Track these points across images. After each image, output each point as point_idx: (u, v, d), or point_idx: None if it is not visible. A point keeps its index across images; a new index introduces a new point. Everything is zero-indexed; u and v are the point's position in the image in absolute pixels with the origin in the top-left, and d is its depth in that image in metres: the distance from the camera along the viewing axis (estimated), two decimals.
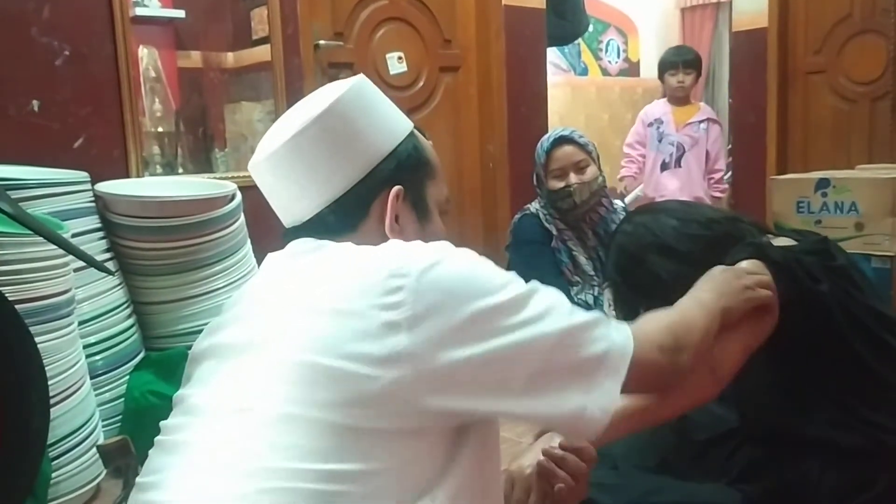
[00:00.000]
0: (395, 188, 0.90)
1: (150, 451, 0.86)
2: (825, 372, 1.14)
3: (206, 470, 0.76)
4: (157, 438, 0.86)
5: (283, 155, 0.90)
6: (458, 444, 0.78)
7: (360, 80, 0.95)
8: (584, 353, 0.79)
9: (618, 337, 0.83)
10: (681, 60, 4.03)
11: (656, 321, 0.93)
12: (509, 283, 0.79)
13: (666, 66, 4.07)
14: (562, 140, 2.47)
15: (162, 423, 0.88)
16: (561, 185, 2.46)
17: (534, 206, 2.61)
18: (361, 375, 0.72)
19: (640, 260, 1.27)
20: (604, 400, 0.79)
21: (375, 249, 0.81)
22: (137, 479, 0.85)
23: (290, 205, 0.93)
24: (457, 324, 0.74)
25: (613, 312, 2.40)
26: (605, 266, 1.35)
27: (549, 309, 0.78)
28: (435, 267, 0.76)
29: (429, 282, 0.75)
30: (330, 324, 0.75)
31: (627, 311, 1.33)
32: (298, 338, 0.76)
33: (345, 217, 0.90)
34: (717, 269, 1.10)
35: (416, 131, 0.97)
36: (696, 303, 1.01)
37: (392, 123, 0.94)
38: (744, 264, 1.13)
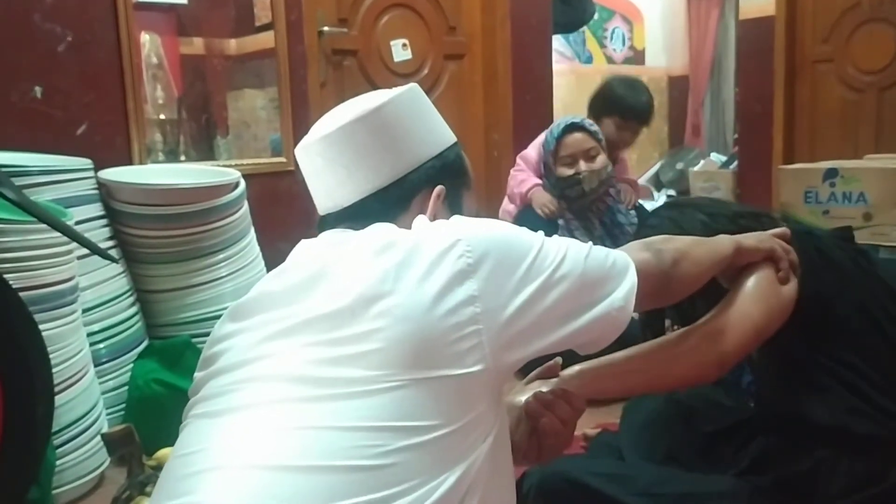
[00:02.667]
0: (439, 187, 0.96)
1: (185, 428, 0.85)
2: (843, 358, 1.14)
3: (265, 431, 0.76)
4: (191, 414, 0.86)
5: (336, 138, 0.94)
6: (501, 396, 0.86)
7: (415, 86, 1.01)
8: (601, 268, 0.89)
9: (614, 251, 0.94)
10: (641, 111, 2.83)
11: (632, 242, 1.04)
12: (532, 233, 0.88)
13: (614, 109, 2.82)
14: (573, 127, 2.46)
15: (194, 399, 0.87)
16: (570, 172, 2.44)
17: None
18: (447, 330, 0.77)
19: None
20: (623, 296, 0.89)
21: (420, 226, 0.87)
22: (173, 456, 0.83)
23: (335, 189, 0.95)
24: (510, 270, 0.82)
25: None
26: None
27: (564, 242, 0.89)
28: (479, 225, 0.85)
29: (479, 234, 0.83)
30: (406, 292, 0.78)
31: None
32: (381, 312, 0.78)
33: (386, 207, 0.93)
34: None
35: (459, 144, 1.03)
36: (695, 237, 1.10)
37: (441, 129, 1.00)
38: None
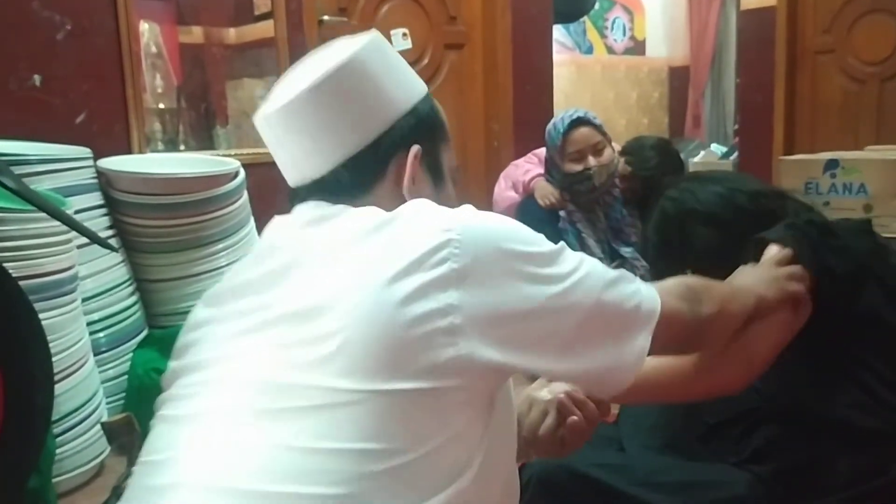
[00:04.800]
0: (415, 147, 0.86)
1: (154, 428, 0.81)
2: (851, 351, 1.13)
3: (228, 446, 0.71)
4: (160, 413, 0.81)
5: (298, 106, 0.84)
6: (490, 414, 0.78)
7: (377, 35, 0.89)
8: (619, 307, 0.79)
9: (646, 290, 0.83)
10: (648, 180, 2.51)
11: (674, 279, 0.94)
12: (548, 244, 0.79)
13: (643, 165, 2.59)
14: (578, 122, 2.41)
15: (165, 395, 0.83)
16: (579, 168, 2.41)
17: None
18: (415, 338, 0.70)
19: (680, 225, 1.26)
20: (635, 353, 0.80)
21: (409, 211, 0.77)
22: (140, 460, 0.79)
23: (302, 161, 0.86)
24: (506, 280, 0.73)
25: None
26: (645, 228, 1.34)
27: (585, 264, 0.79)
28: (480, 224, 0.75)
29: (476, 235, 0.73)
30: (380, 292, 0.71)
31: (659, 276, 1.33)
32: (345, 309, 0.71)
33: (361, 175, 0.84)
34: (748, 266, 1.10)
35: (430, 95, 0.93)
36: (724, 282, 1.02)
37: (411, 81, 0.90)
38: (773, 254, 1.11)
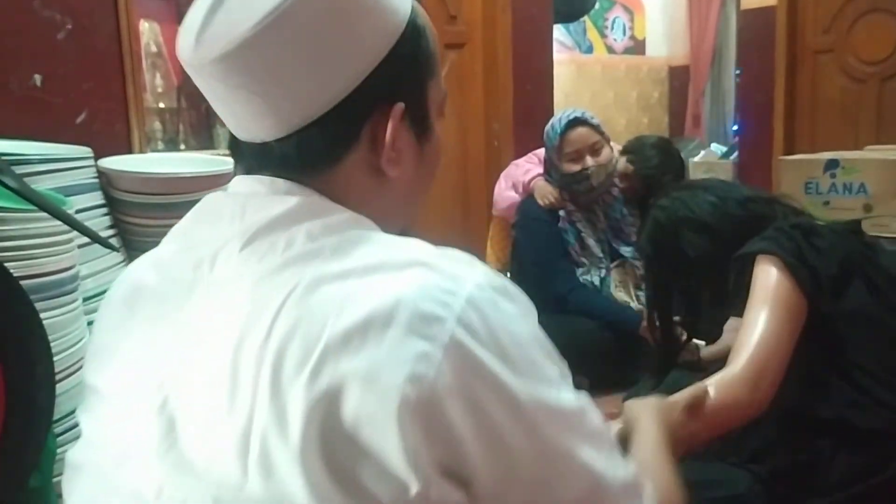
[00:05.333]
0: (398, 105, 0.65)
1: (73, 469, 0.67)
2: (847, 351, 1.14)
3: None
4: (69, 457, 0.66)
5: (240, 59, 0.60)
6: None
7: None
8: None
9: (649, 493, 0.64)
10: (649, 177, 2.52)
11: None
12: (565, 383, 0.59)
13: (646, 165, 2.58)
14: (575, 122, 2.41)
15: (82, 422, 0.68)
16: (577, 168, 2.41)
17: None
18: (362, 471, 0.53)
19: (672, 234, 1.29)
20: None
21: (389, 265, 0.57)
22: None
23: (249, 121, 0.65)
24: (478, 424, 0.54)
25: (620, 293, 2.41)
26: (639, 237, 1.38)
27: (599, 452, 0.59)
28: (475, 331, 0.54)
29: (458, 359, 0.53)
30: (322, 402, 0.52)
31: (655, 283, 1.35)
32: (278, 405, 0.53)
33: (327, 142, 0.64)
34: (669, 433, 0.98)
35: (415, 4, 0.70)
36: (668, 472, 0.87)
37: (388, 12, 0.65)
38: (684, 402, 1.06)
